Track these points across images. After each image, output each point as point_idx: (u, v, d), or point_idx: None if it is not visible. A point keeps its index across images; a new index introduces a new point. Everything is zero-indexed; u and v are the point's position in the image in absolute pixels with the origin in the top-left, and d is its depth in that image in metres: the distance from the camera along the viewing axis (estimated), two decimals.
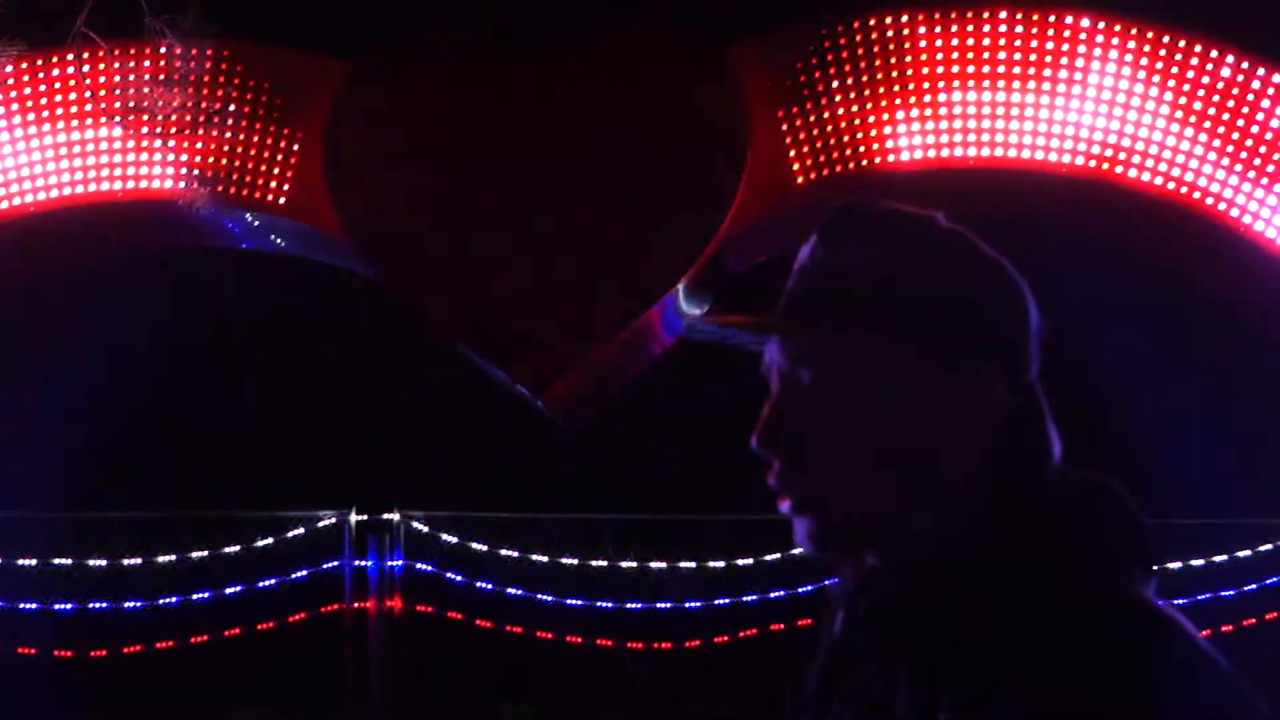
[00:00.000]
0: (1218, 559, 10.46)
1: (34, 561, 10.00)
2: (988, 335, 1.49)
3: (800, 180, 8.53)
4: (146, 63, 7.97)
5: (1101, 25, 8.37)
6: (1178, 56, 8.33)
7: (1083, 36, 8.38)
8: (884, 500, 1.47)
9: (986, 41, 8.42)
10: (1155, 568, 1.47)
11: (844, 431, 1.47)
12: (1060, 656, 1.34)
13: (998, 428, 1.48)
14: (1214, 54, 8.32)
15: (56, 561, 10.06)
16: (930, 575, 1.45)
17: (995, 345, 1.49)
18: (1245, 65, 8.31)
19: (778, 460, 1.50)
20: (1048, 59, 8.40)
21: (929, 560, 1.46)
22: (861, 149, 8.51)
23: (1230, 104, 8.32)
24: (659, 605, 10.71)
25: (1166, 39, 8.34)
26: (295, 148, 8.72)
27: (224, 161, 8.57)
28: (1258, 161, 8.36)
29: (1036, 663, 1.34)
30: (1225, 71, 8.30)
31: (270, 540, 10.27)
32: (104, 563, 10.12)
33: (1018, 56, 8.41)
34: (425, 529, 10.50)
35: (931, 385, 1.47)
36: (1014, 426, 1.49)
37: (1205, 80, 8.31)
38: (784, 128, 8.52)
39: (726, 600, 10.69)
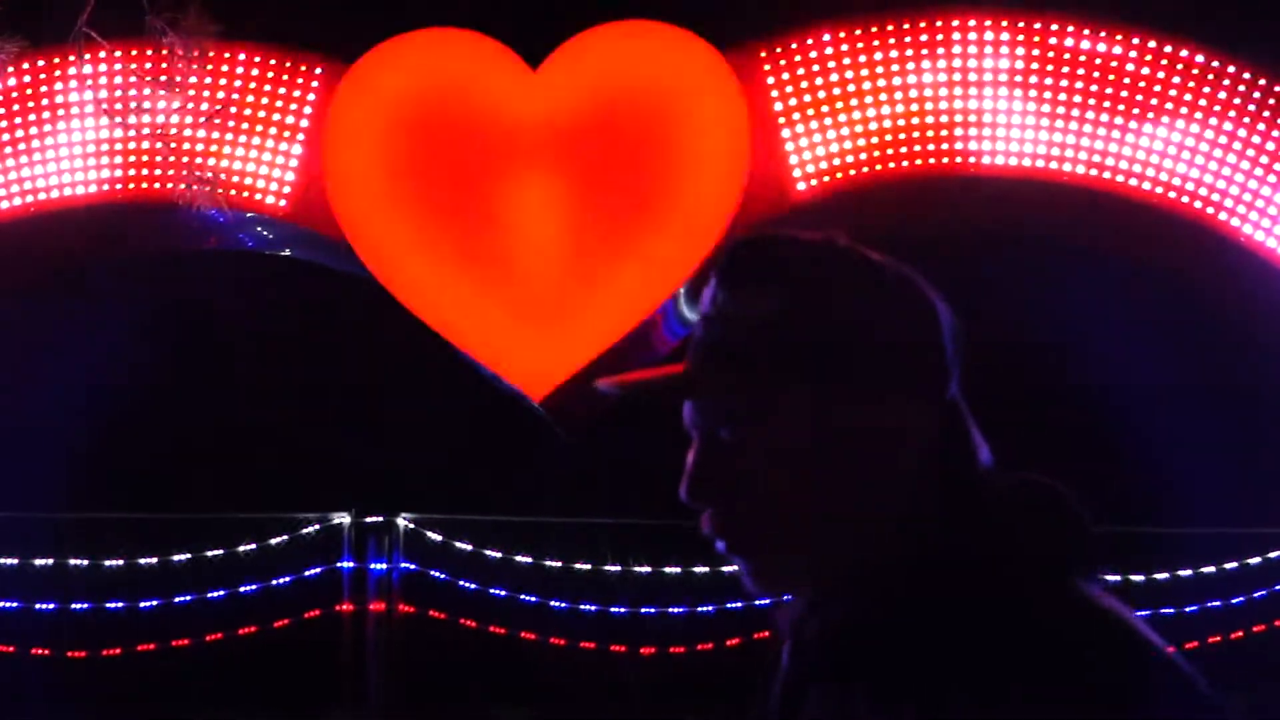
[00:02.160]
0: (1210, 569, 10.48)
1: (35, 561, 10.00)
2: (899, 362, 1.46)
3: (801, 187, 8.53)
4: (148, 64, 7.98)
5: (1103, 34, 8.38)
6: (1179, 66, 8.34)
7: (1085, 45, 8.39)
8: (818, 540, 1.46)
9: (989, 50, 8.43)
10: (1099, 564, 1.46)
11: (768, 479, 1.45)
12: (1008, 660, 1.33)
13: (923, 447, 1.46)
14: (1215, 64, 8.33)
15: (49, 562, 10.06)
16: (875, 595, 1.44)
17: (906, 370, 1.47)
18: (1246, 75, 8.33)
19: (709, 509, 1.50)
20: (1049, 68, 8.41)
21: (872, 582, 1.45)
22: (862, 156, 8.51)
23: (1230, 114, 8.33)
24: (662, 610, 10.70)
25: (1168, 49, 8.35)
26: (295, 150, 8.74)
27: (224, 163, 8.58)
28: (1259, 171, 8.37)
29: (986, 669, 1.34)
30: (1226, 81, 8.32)
31: (270, 541, 10.28)
32: (98, 563, 10.12)
33: (1019, 65, 8.42)
34: (425, 531, 10.50)
35: (848, 422, 1.44)
36: (939, 441, 1.47)
37: (1206, 90, 8.33)
38: (784, 134, 8.53)
39: (728, 605, 10.68)
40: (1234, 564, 10.45)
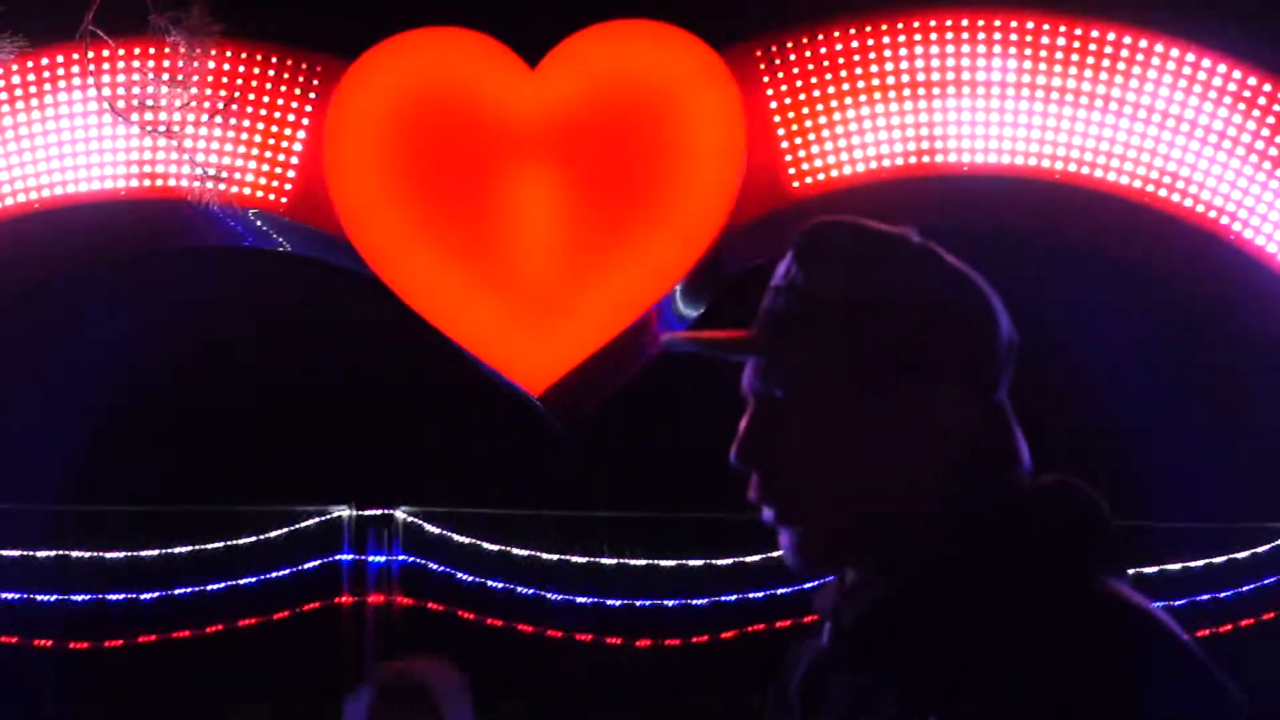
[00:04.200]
0: (1199, 563, 10.54)
1: (37, 554, 10.06)
2: (953, 355, 1.52)
3: (796, 185, 8.61)
4: (151, 62, 8.05)
5: (1094, 32, 8.46)
6: (1155, 61, 8.41)
7: (1076, 45, 8.47)
8: (858, 514, 1.51)
9: (981, 49, 8.51)
10: (1127, 563, 1.51)
11: (816, 448, 1.51)
12: (1040, 656, 1.36)
13: (967, 442, 1.51)
14: (1189, 57, 8.40)
15: (54, 554, 10.12)
16: (910, 584, 1.48)
17: (961, 364, 1.52)
18: (1222, 69, 8.40)
19: (756, 474, 1.55)
20: (1041, 66, 8.49)
21: (908, 569, 1.49)
22: (856, 154, 8.59)
23: (1207, 107, 8.41)
24: (657, 603, 10.77)
25: (1144, 43, 8.42)
26: (297, 147, 8.81)
27: (226, 160, 8.65)
28: (1249, 169, 8.44)
29: (1018, 664, 1.37)
30: (1202, 75, 8.39)
31: (269, 535, 10.35)
32: (100, 556, 10.18)
33: (1010, 64, 8.50)
34: (423, 524, 10.57)
35: (900, 404, 1.50)
36: (981, 438, 1.52)
37: (1182, 84, 8.40)
38: (780, 132, 8.60)
39: (726, 597, 10.75)
40: (1223, 558, 10.53)
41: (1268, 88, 8.39)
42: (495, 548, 10.67)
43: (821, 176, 8.59)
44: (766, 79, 8.62)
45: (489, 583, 10.64)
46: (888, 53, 8.52)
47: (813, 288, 1.54)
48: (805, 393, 1.52)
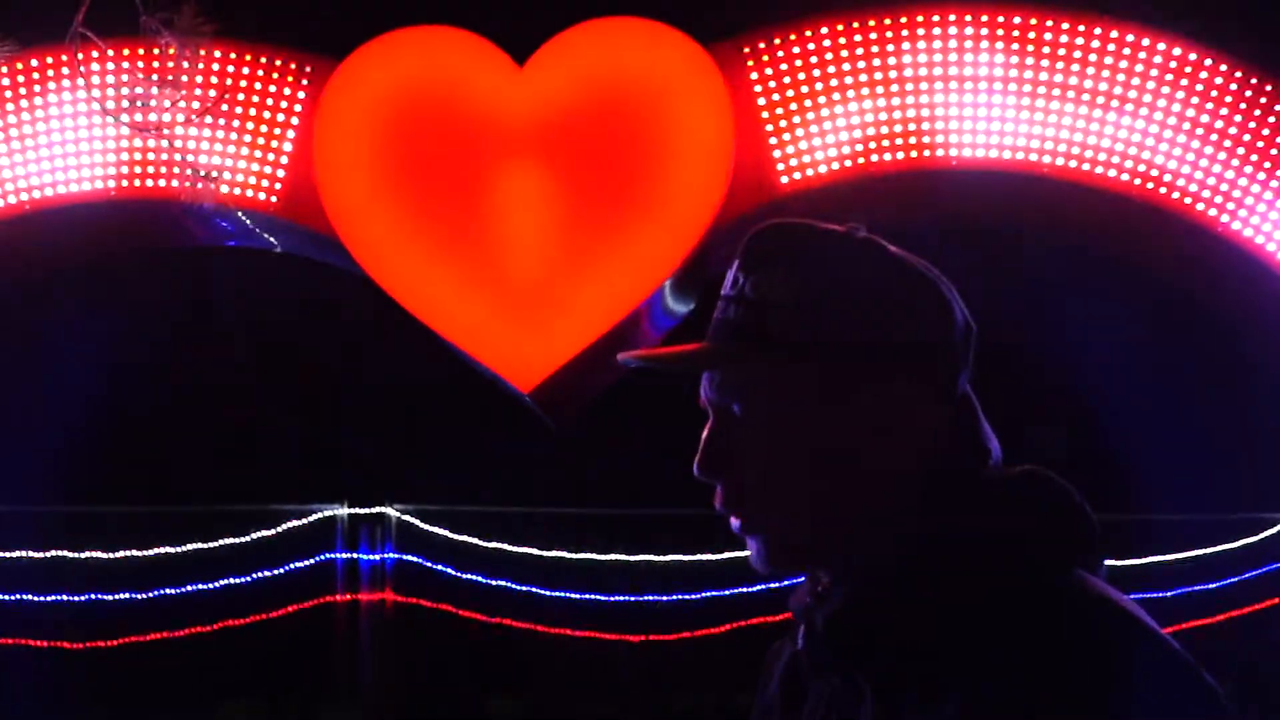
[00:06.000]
0: (1185, 555, 10.59)
1: (31, 554, 10.08)
2: (907, 352, 1.49)
3: (784, 181, 8.64)
4: (141, 62, 8.06)
5: (1081, 28, 8.50)
6: (1157, 59, 8.46)
7: (1063, 40, 8.50)
8: (823, 520, 1.49)
9: (969, 45, 8.54)
10: (1103, 555, 1.49)
11: (777, 458, 1.49)
12: (1013, 652, 1.36)
13: (929, 437, 1.49)
14: (1192, 56, 8.45)
15: (49, 555, 10.13)
16: (880, 583, 1.46)
17: (916, 360, 1.50)
18: (1223, 68, 8.44)
19: (719, 486, 1.53)
20: (1029, 61, 8.53)
21: (877, 570, 1.48)
22: (844, 150, 8.62)
23: (1208, 105, 8.45)
24: (646, 598, 10.79)
25: (1146, 40, 8.47)
26: (287, 146, 8.83)
27: (216, 160, 8.66)
28: (1235, 162, 8.48)
29: (991, 660, 1.36)
30: (1203, 74, 8.43)
31: (263, 533, 10.37)
32: (95, 556, 10.20)
33: (999, 59, 8.53)
34: (417, 522, 10.60)
35: (857, 406, 1.48)
36: (946, 433, 1.50)
37: (1183, 82, 8.44)
38: (768, 129, 8.63)
39: (718, 593, 10.78)
40: (1213, 549, 10.58)
41: (1269, 87, 8.41)
42: (488, 545, 10.70)
43: (810, 173, 8.62)
44: (754, 75, 8.65)
45: (482, 580, 10.66)
46: (875, 48, 8.55)
47: (762, 295, 1.51)
48: (761, 404, 1.51)
